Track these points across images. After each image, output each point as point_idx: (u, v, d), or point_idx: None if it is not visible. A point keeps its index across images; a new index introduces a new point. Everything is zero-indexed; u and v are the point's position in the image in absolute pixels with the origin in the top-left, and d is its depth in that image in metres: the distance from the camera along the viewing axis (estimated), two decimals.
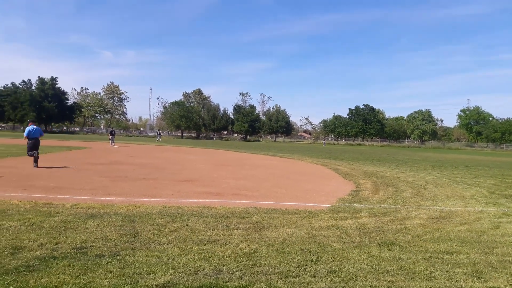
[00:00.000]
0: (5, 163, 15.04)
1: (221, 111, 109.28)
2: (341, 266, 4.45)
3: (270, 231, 5.87)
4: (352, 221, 6.91)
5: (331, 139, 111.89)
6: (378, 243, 5.48)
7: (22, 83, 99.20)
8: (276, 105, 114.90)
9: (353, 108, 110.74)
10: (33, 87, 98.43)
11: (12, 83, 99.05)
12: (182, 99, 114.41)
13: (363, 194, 10.31)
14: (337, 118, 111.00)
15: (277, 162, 22.08)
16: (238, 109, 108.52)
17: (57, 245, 4.73)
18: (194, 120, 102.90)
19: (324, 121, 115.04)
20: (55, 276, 3.76)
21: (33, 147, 14.49)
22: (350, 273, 4.26)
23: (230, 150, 36.52)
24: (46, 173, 12.27)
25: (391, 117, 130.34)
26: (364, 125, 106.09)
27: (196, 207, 7.56)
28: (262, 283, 3.79)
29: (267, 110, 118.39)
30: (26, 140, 14.68)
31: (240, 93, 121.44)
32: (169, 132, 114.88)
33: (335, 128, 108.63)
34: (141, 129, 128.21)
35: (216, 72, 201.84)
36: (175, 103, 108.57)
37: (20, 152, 20.94)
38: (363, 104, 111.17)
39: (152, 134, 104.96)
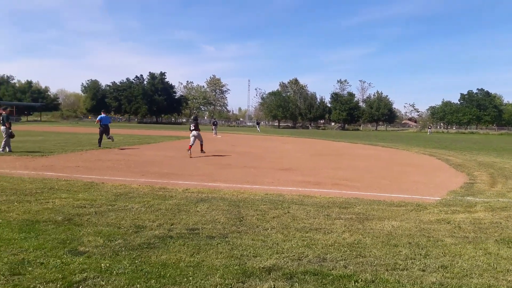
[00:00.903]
0: (124, 151, 16.88)
1: (318, 100, 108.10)
2: (454, 262, 4.19)
3: (374, 222, 5.72)
4: (465, 215, 6.40)
5: (440, 127, 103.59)
6: (496, 240, 5.02)
7: (135, 79, 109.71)
8: (377, 91, 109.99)
9: (465, 93, 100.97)
10: (145, 82, 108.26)
11: (127, 79, 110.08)
12: (279, 89, 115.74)
13: (477, 186, 9.44)
14: (446, 104, 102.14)
15: (379, 152, 21.23)
16: (335, 97, 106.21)
17: (172, 226, 5.22)
18: (290, 110, 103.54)
19: (431, 107, 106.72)
20: (173, 254, 4.16)
21: (103, 132, 18.57)
22: (464, 269, 3.98)
23: (327, 139, 36.07)
24: (159, 160, 13.51)
25: (511, 102, 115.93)
26: (478, 112, 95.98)
27: (296, 195, 7.69)
28: (368, 274, 3.74)
29: (367, 97, 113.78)
30: (99, 125, 18.82)
31: (338, 81, 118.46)
32: (266, 122, 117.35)
33: (445, 115, 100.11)
34: (241, 119, 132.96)
35: (313, 61, 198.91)
36: (272, 94, 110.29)
37: (135, 141, 23.34)
38: (477, 89, 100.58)
39: (250, 124, 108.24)
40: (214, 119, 50.80)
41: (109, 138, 18.85)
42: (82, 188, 7.65)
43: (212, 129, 37.54)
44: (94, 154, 14.90)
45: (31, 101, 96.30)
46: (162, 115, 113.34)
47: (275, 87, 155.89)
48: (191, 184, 8.70)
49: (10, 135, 14.56)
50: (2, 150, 14.19)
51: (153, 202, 6.58)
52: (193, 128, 15.97)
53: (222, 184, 8.88)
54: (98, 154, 14.73)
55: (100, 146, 18.21)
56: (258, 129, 61.20)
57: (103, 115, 19.38)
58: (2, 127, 14.73)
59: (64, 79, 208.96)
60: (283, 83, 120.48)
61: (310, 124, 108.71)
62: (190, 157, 14.62)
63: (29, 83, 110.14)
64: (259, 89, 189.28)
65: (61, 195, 6.94)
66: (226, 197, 7.26)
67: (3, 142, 14.45)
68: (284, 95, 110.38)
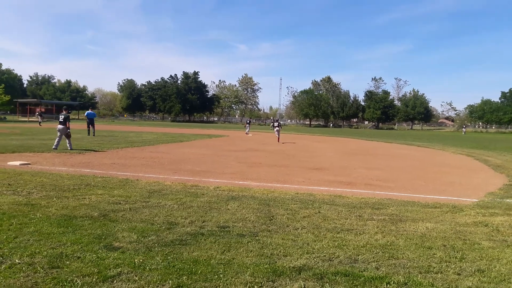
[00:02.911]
0: (158, 148, 17.26)
1: (351, 98, 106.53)
2: (491, 266, 4.03)
3: (407, 224, 5.59)
4: (504, 218, 6.14)
5: (479, 127, 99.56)
6: None
7: (169, 78, 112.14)
8: (413, 89, 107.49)
9: (506, 90, 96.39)
10: (179, 81, 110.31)
11: (162, 78, 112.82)
12: (311, 88, 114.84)
13: None
14: (486, 102, 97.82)
15: (415, 152, 20.69)
16: (369, 95, 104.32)
17: (204, 223, 5.29)
18: (322, 108, 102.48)
19: (470, 106, 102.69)
20: (204, 251, 4.22)
21: (89, 124, 24.42)
22: (502, 274, 3.83)
23: (360, 138, 35.48)
24: (192, 158, 13.73)
25: None
26: None
27: (327, 195, 7.61)
28: (400, 276, 3.66)
29: (402, 95, 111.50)
30: (86, 119, 25.21)
31: (372, 79, 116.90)
32: (297, 121, 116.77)
33: (484, 114, 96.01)
34: (273, 118, 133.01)
35: (347, 59, 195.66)
36: (304, 92, 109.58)
37: (169, 140, 23.80)
38: None
39: (282, 122, 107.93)
40: (249, 118, 51.57)
41: (92, 129, 24.40)
42: (117, 185, 7.88)
43: (245, 127, 37.97)
44: (129, 151, 15.31)
45: (70, 100, 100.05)
46: (195, 114, 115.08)
47: (307, 85, 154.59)
48: (222, 182, 8.79)
49: (68, 135, 15.08)
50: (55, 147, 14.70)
51: (185, 199, 6.69)
52: (277, 125, 25.72)
53: (252, 182, 8.92)
54: (133, 152, 15.13)
55: (88, 134, 23.74)
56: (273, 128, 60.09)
57: (90, 111, 25.51)
58: (61, 126, 15.02)
59: (101, 78, 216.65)
60: (315, 81, 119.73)
61: (343, 123, 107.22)
62: (279, 142, 24.15)
63: (68, 82, 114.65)
64: (291, 87, 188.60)
65: (97, 191, 7.18)
66: (256, 195, 7.28)
67: (57, 139, 14.99)
68: (316, 93, 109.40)
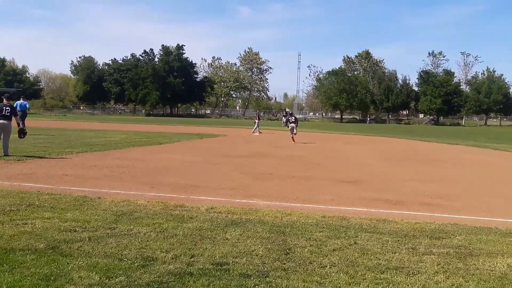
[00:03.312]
0: (128, 153, 17.35)
1: (400, 81, 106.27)
2: None
3: (481, 260, 5.57)
4: None
5: None
6: None
7: (143, 54, 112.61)
8: (487, 68, 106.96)
9: None
10: (156, 59, 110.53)
11: (133, 55, 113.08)
12: (343, 67, 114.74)
13: None
14: None
15: (490, 158, 20.65)
16: (425, 77, 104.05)
17: (192, 259, 5.29)
18: (359, 96, 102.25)
19: None
20: None
21: (21, 117, 23.41)
22: None
23: (412, 138, 35.40)
24: (175, 167, 13.80)
25: None
26: None
27: (366, 219, 7.61)
28: None
29: (472, 77, 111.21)
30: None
31: (429, 54, 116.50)
32: (324, 114, 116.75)
33: None
34: (287, 109, 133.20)
35: (394, 26, 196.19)
36: (333, 73, 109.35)
37: (143, 141, 23.90)
38: None
39: (301, 116, 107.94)
40: (258, 111, 52.19)
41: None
42: (71, 205, 7.91)
43: (255, 122, 38.09)
44: (88, 158, 15.40)
45: (4, 86, 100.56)
46: (179, 105, 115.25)
47: (337, 64, 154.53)
48: (217, 200, 8.82)
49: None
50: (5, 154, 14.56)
51: (166, 225, 6.71)
52: (293, 120, 27.40)
53: (260, 201, 8.94)
54: (93, 159, 15.21)
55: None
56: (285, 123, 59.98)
57: (21, 101, 27.16)
58: (6, 122, 14.70)
59: (48, 56, 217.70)
60: (348, 57, 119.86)
61: (388, 117, 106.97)
62: (294, 141, 25.52)
63: (1, 61, 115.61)
64: (314, 66, 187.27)
65: (44, 214, 7.20)
66: (266, 219, 7.29)
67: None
68: (349, 75, 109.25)
